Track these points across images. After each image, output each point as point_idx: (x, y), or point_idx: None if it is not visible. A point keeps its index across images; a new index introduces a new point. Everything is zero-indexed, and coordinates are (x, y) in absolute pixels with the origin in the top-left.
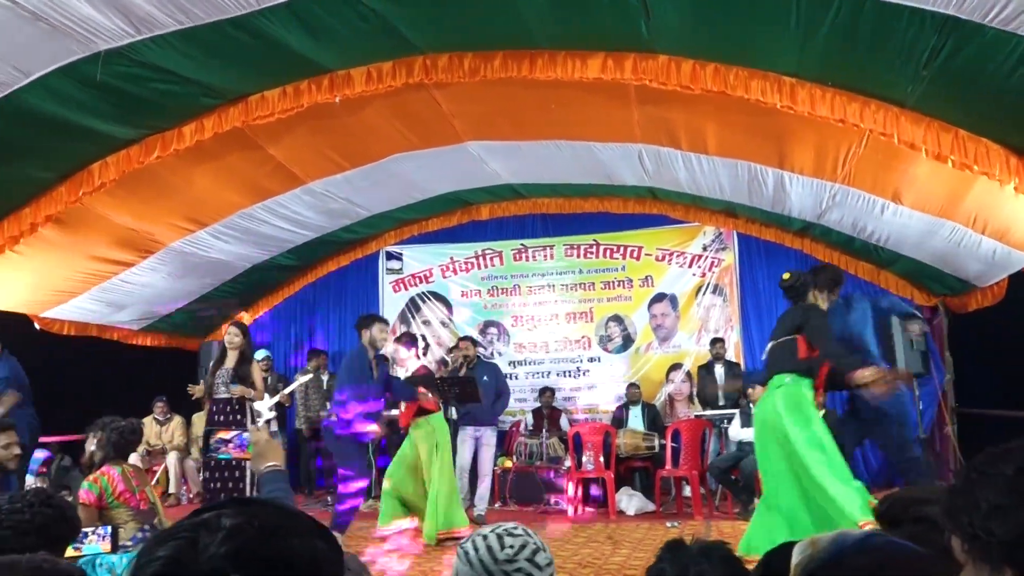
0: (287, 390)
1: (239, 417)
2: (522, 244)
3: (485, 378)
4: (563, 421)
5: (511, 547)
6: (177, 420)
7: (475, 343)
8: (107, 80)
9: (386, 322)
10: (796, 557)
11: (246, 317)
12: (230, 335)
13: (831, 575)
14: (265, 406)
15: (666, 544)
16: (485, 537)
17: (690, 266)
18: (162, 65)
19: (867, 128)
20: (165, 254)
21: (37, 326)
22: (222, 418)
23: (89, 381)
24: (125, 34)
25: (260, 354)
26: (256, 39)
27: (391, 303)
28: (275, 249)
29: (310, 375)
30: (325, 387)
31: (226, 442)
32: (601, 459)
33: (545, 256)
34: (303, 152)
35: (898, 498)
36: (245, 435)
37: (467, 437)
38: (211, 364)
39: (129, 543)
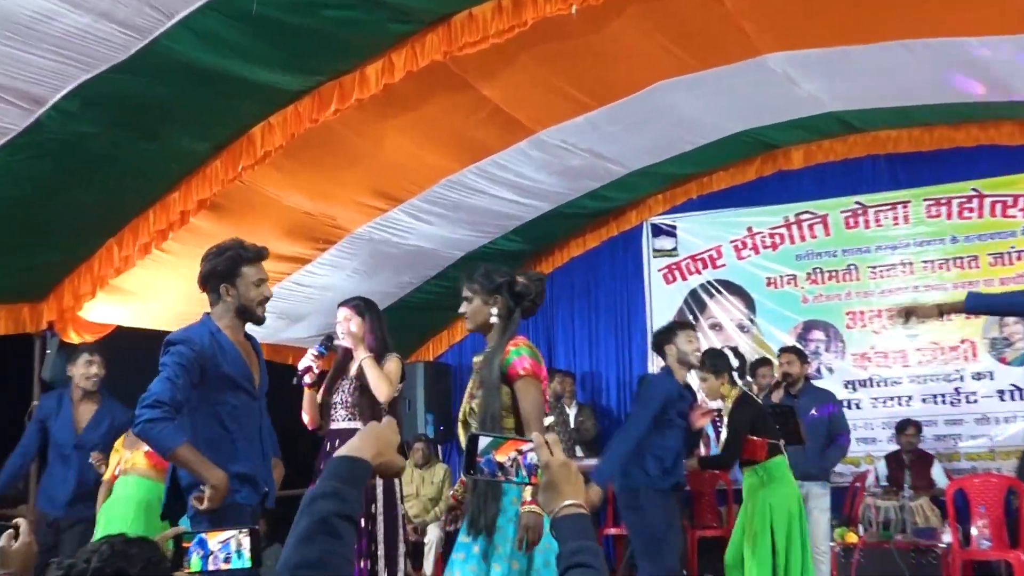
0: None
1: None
2: (858, 202)
3: (813, 411)
4: (936, 472)
5: None
6: (441, 468)
7: (801, 356)
8: (265, 12)
9: (692, 327)
10: None
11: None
12: (343, 322)
13: None
14: None
15: None
16: None
17: None
18: None
19: None
20: (350, 244)
21: None
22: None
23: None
24: None
25: None
26: None
27: (662, 298)
28: (495, 230)
29: (551, 419)
30: (573, 423)
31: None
32: (1003, 532)
33: (895, 219)
34: (528, 90)
35: None
36: (531, 456)
37: None
38: (327, 378)
39: None
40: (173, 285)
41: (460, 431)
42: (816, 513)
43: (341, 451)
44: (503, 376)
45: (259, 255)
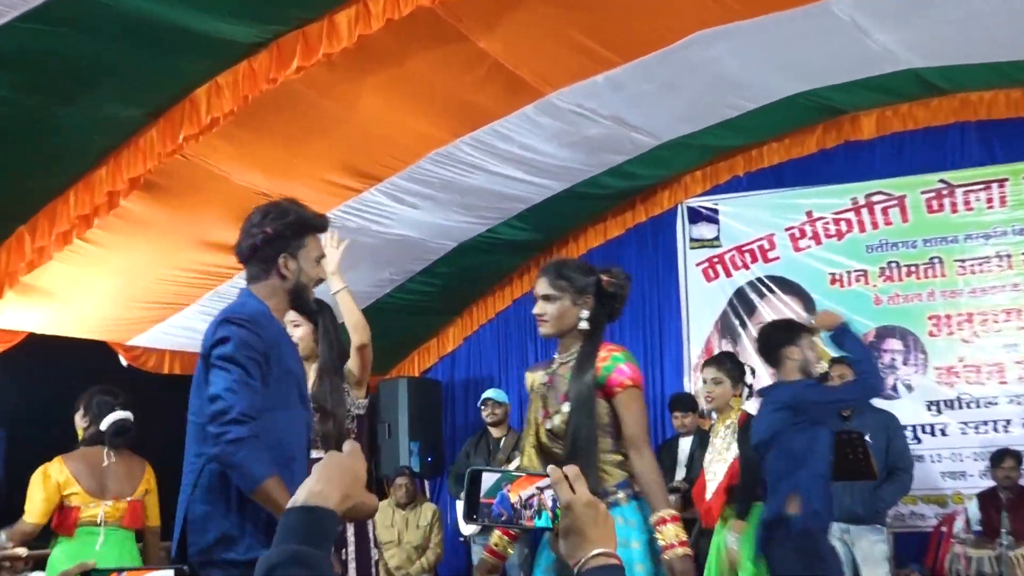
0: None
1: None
2: (943, 180)
3: (867, 436)
4: None
5: None
6: (429, 509)
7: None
8: None
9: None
10: None
11: None
12: (289, 327)
13: None
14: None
15: None
16: None
17: None
18: None
19: None
20: None
21: (123, 361)
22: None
23: None
24: None
25: (491, 393)
26: None
27: (700, 299)
28: (495, 215)
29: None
30: None
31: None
32: None
33: (990, 200)
34: (536, 42)
35: None
36: (548, 492)
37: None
38: None
39: None
40: (100, 283)
41: (534, 459)
42: (869, 566)
43: (297, 498)
44: (600, 389)
45: (325, 224)
